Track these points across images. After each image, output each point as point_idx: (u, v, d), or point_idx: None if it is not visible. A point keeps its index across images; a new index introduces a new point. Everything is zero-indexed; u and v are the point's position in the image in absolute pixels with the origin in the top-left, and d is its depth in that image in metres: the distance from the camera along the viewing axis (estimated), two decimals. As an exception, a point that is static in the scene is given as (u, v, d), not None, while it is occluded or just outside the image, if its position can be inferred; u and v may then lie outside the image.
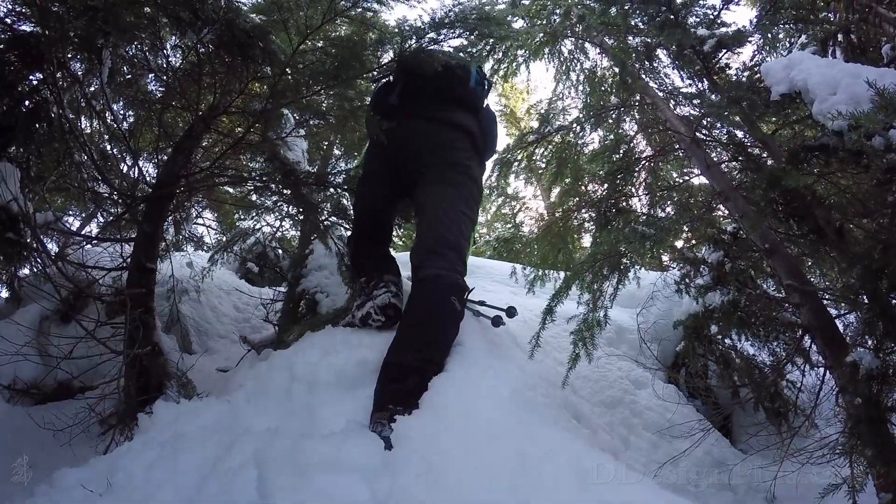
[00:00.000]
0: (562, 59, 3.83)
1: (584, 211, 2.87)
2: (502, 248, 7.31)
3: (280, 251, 4.15)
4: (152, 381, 3.31)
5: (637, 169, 2.74)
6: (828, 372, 2.46)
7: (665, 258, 4.37)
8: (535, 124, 3.36)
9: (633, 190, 2.80)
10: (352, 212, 2.87)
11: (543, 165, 3.37)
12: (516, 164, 4.22)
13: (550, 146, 3.28)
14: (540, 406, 1.75)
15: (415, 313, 1.82)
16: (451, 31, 2.35)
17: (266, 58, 2.68)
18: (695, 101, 2.81)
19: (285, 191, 2.81)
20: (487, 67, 3.74)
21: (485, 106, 2.37)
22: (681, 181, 3.28)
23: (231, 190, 4.58)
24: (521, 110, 9.85)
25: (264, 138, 2.71)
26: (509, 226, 9.60)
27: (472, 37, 2.46)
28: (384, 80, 2.44)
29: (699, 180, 3.63)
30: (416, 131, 2.14)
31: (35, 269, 3.30)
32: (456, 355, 1.79)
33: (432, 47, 2.28)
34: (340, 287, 2.67)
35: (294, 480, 1.20)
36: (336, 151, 4.23)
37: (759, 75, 2.85)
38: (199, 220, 3.92)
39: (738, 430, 3.33)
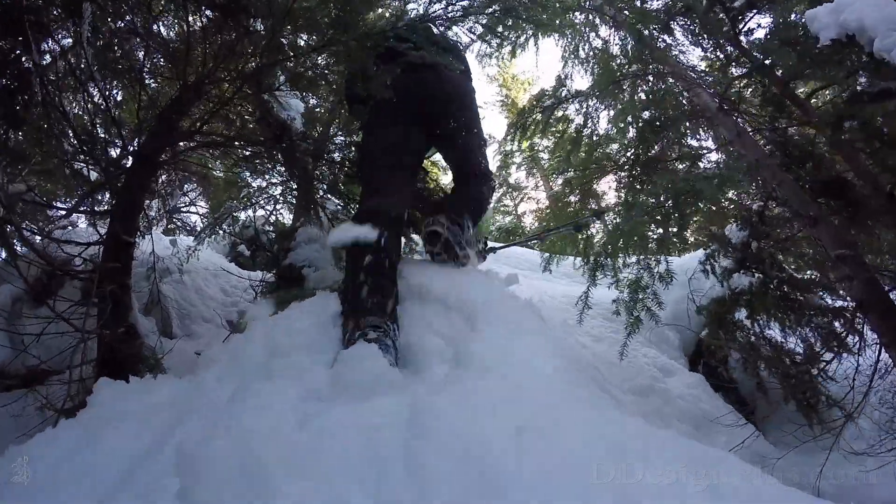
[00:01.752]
0: (571, 34, 3.53)
1: (604, 181, 2.53)
2: (504, 239, 6.96)
3: (274, 235, 3.77)
4: (127, 366, 2.89)
5: (670, 129, 2.40)
6: (883, 350, 2.11)
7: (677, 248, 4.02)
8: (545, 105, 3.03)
9: (667, 150, 2.46)
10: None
11: (558, 137, 3.04)
12: (518, 153, 3.98)
13: (562, 118, 2.95)
14: (584, 385, 1.38)
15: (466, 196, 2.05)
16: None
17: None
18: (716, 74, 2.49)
19: (277, 154, 2.44)
20: (494, 44, 3.44)
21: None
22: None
23: (221, 174, 4.22)
24: (522, 101, 9.55)
25: (255, 93, 2.35)
26: (511, 217, 9.19)
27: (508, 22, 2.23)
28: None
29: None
30: (436, 79, 2.11)
31: (4, 244, 2.87)
32: (486, 325, 1.43)
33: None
34: (331, 261, 2.30)
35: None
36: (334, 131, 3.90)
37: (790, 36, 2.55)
38: (186, 199, 3.54)
39: (764, 423, 2.97)
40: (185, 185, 4.93)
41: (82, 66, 3.12)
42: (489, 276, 1.90)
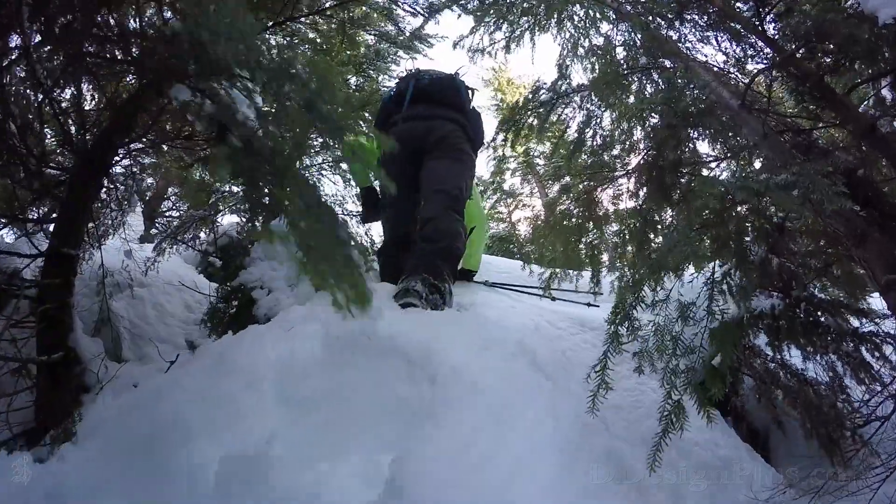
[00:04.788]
0: (570, 32, 2.98)
1: (612, 186, 1.99)
2: (497, 248, 6.33)
3: (249, 244, 3.21)
4: (65, 398, 2.35)
5: (699, 125, 1.87)
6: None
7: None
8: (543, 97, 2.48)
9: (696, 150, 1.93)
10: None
11: (554, 140, 2.51)
12: (513, 159, 3.53)
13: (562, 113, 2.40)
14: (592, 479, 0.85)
15: (440, 235, 1.93)
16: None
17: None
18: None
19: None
20: (487, 39, 2.94)
21: (471, 107, 2.61)
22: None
23: (203, 175, 3.67)
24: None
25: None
26: (505, 224, 8.44)
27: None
28: (388, 94, 2.61)
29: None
30: (425, 128, 2.33)
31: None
32: (452, 406, 0.89)
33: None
34: (289, 283, 1.75)
35: None
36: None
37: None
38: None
39: (779, 460, 2.43)
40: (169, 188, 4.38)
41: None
42: (470, 318, 1.37)
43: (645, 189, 1.86)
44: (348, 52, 3.67)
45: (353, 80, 3.52)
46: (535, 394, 1.10)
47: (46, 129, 2.52)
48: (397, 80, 2.73)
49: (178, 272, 3.04)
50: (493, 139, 2.36)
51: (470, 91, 2.65)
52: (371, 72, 3.52)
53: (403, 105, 2.39)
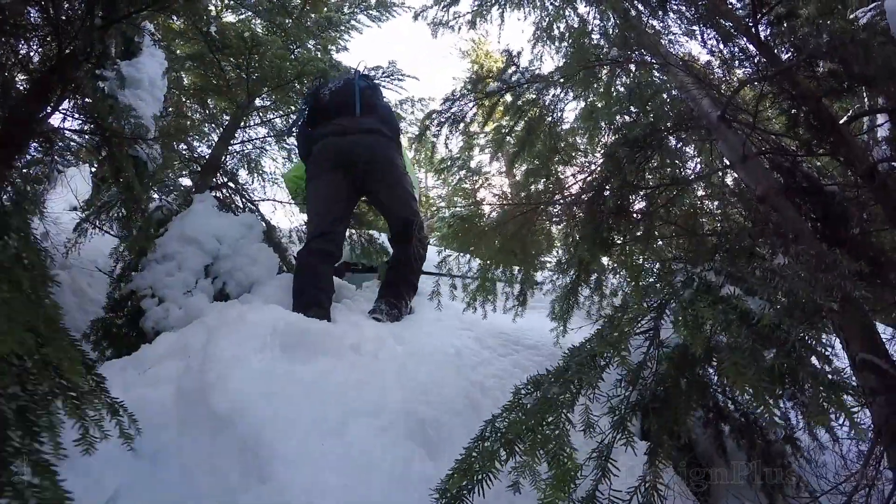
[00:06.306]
0: (544, 12, 2.58)
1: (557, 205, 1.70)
2: (458, 227, 5.94)
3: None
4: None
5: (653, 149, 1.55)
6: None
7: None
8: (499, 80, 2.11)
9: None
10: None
11: (507, 127, 2.20)
12: (483, 136, 3.33)
13: (517, 106, 2.07)
14: None
15: (401, 266, 2.30)
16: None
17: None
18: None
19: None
20: (452, 11, 2.59)
21: (382, 100, 2.56)
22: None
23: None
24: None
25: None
26: (469, 202, 7.91)
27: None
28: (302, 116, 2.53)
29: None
30: (368, 143, 2.27)
31: None
32: None
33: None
34: (188, 291, 1.48)
35: None
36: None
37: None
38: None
39: (718, 496, 2.26)
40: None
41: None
42: (349, 371, 1.12)
43: (579, 232, 1.56)
44: (312, 15, 3.27)
45: (311, 43, 3.15)
46: (399, 489, 0.87)
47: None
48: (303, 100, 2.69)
49: (104, 253, 2.71)
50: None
51: (373, 86, 2.54)
52: (328, 36, 3.16)
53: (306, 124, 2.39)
